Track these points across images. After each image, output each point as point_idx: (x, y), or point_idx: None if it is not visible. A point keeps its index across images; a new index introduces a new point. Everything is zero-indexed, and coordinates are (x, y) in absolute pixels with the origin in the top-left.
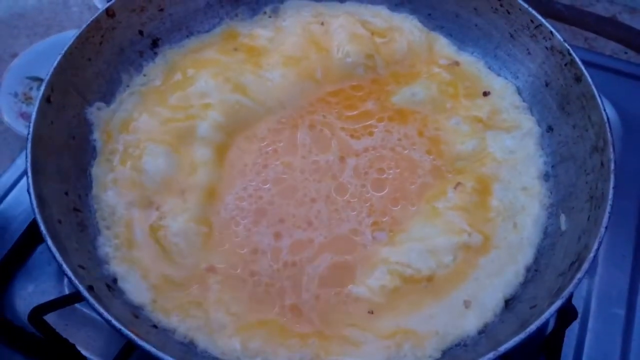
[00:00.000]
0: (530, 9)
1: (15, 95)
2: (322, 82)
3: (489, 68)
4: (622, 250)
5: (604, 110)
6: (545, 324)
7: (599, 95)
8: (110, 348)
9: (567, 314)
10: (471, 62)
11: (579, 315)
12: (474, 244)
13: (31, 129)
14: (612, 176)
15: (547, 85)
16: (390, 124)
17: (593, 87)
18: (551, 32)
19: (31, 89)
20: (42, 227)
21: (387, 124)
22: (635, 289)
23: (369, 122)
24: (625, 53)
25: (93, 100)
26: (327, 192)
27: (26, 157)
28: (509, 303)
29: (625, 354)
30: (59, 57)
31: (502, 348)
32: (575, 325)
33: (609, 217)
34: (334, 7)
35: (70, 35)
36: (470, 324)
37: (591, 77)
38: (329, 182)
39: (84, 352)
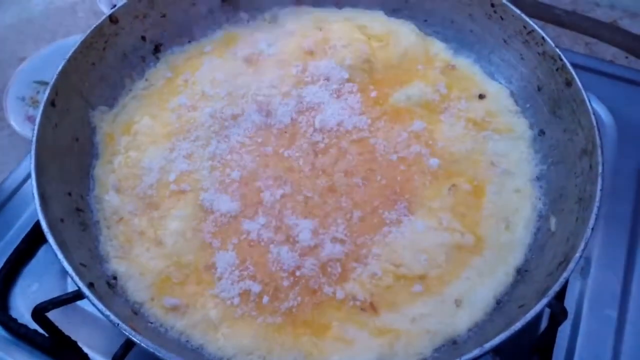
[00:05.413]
0: (523, 15)
1: (23, 99)
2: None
3: (484, 72)
4: (615, 252)
5: (593, 114)
6: (535, 324)
7: (589, 100)
8: (112, 345)
9: (558, 314)
10: (467, 66)
11: (572, 317)
12: (466, 244)
13: (35, 132)
14: (599, 179)
15: (539, 89)
16: (386, 126)
17: (583, 92)
18: (543, 37)
19: (38, 92)
20: (45, 226)
21: (383, 126)
22: (628, 291)
23: (365, 123)
24: (626, 58)
25: (96, 104)
26: (322, 188)
27: (30, 159)
28: (499, 302)
29: (616, 356)
30: (63, 62)
31: (488, 345)
32: (567, 327)
33: (596, 219)
34: (332, 13)
35: (76, 40)
36: (461, 322)
37: (589, 82)
38: (324, 180)
39: (85, 349)
